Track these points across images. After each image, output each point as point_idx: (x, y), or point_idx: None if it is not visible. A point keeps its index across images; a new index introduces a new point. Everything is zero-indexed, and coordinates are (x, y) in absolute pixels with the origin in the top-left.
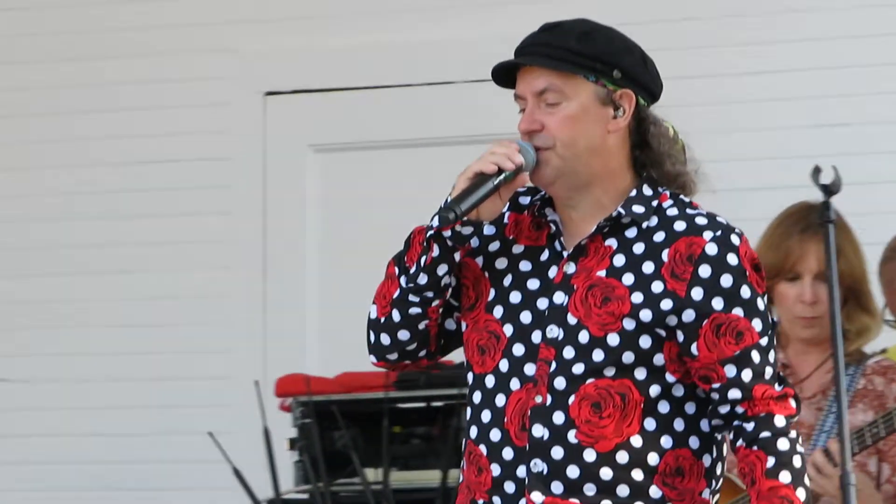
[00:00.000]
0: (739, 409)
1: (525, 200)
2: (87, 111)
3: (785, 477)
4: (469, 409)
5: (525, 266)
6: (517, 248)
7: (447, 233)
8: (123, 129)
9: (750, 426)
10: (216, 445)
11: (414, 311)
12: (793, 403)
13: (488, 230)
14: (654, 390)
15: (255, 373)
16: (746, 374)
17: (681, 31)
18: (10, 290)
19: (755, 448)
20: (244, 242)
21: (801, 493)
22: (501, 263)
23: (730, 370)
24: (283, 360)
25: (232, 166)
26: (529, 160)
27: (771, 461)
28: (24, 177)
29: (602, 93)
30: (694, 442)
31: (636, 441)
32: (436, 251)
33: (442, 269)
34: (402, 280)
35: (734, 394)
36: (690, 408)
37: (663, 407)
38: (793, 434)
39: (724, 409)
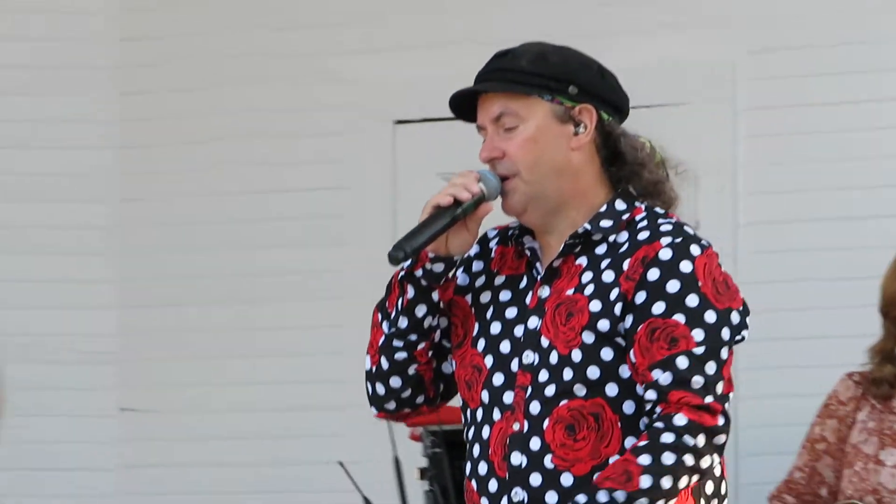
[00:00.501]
0: (657, 410)
1: (511, 233)
2: (225, 138)
3: (643, 459)
4: (467, 447)
5: (505, 296)
6: (499, 280)
7: (419, 272)
8: (253, 157)
9: (654, 418)
10: (347, 475)
11: (400, 356)
12: (719, 419)
13: (477, 266)
14: (629, 407)
15: None
16: (666, 378)
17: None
18: (141, 321)
19: (643, 432)
20: (372, 272)
21: (645, 480)
22: (485, 297)
23: (655, 373)
24: None
25: (361, 195)
26: (492, 188)
27: (643, 442)
28: (153, 206)
29: (559, 110)
30: None
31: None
32: (410, 292)
33: (421, 310)
34: (385, 326)
35: (650, 395)
36: None
37: (643, 424)
38: (687, 439)
39: (647, 420)
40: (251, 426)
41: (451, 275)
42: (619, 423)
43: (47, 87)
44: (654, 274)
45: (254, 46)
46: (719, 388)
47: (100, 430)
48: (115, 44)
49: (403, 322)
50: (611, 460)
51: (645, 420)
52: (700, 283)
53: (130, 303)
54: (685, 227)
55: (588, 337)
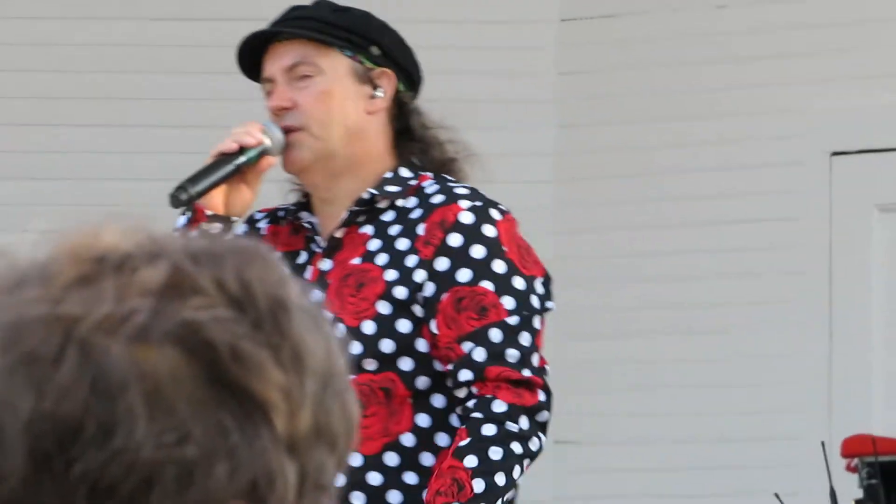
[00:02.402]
0: (473, 391)
1: (282, 213)
2: (659, 172)
3: (470, 461)
4: None
5: None
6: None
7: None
8: (688, 190)
9: (471, 404)
10: None
11: None
12: (539, 395)
13: None
14: (423, 382)
15: (820, 433)
16: (479, 353)
17: None
18: (572, 354)
19: (461, 426)
20: (810, 303)
21: (478, 484)
22: None
23: (466, 346)
24: (848, 422)
25: (798, 226)
26: (276, 141)
27: (465, 441)
28: (589, 239)
29: (359, 69)
30: None
31: (407, 440)
32: None
33: None
34: None
35: (465, 375)
36: None
37: (437, 401)
38: (510, 425)
39: (460, 394)
40: (685, 458)
41: None
42: (411, 400)
43: (488, 120)
44: (456, 239)
45: (692, 80)
46: (535, 359)
47: (536, 463)
48: (553, 78)
49: None
50: (402, 438)
51: (458, 394)
52: (505, 249)
53: (566, 334)
54: (481, 192)
55: (384, 307)
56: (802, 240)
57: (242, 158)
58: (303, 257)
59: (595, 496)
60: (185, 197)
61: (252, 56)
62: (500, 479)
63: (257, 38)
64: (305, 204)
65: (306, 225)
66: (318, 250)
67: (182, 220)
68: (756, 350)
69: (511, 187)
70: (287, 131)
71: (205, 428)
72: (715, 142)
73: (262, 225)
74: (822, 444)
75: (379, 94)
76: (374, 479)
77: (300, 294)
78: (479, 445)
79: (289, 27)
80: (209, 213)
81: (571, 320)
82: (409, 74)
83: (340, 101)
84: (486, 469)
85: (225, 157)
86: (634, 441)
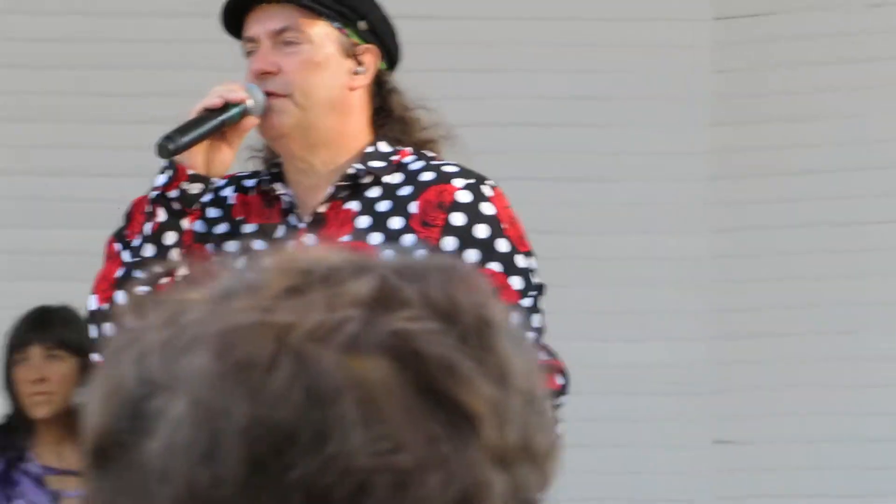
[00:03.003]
0: None
1: (250, 182)
2: (815, 171)
3: None
4: None
5: (259, 246)
6: (248, 228)
7: (173, 193)
8: (841, 189)
9: None
10: None
11: (142, 290)
12: (558, 379)
13: (213, 213)
14: None
15: None
16: None
17: None
18: (733, 352)
19: None
20: None
21: None
22: (233, 246)
23: None
24: None
25: None
26: (259, 102)
27: None
28: (745, 237)
29: (346, 43)
30: None
31: None
32: (161, 216)
33: (170, 237)
34: (126, 255)
35: None
36: None
37: None
38: None
39: None
40: (845, 458)
41: (199, 203)
42: None
43: (643, 118)
44: (459, 219)
45: (844, 79)
46: (546, 341)
47: (695, 462)
48: (707, 76)
49: (149, 250)
50: None
51: None
52: (505, 226)
53: (721, 333)
54: (467, 168)
55: None
56: None
57: (227, 114)
58: (281, 231)
59: (755, 495)
60: (173, 147)
61: (234, 13)
62: None
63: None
64: (278, 174)
65: (283, 197)
66: (299, 225)
67: (162, 178)
68: None
69: (665, 185)
70: (268, 95)
71: (417, 437)
72: (862, 141)
73: (228, 193)
74: None
75: (361, 70)
76: None
77: (503, 313)
78: None
79: None
80: (190, 172)
81: (726, 319)
82: (391, 53)
83: (325, 73)
84: None
85: (210, 113)
86: (794, 440)
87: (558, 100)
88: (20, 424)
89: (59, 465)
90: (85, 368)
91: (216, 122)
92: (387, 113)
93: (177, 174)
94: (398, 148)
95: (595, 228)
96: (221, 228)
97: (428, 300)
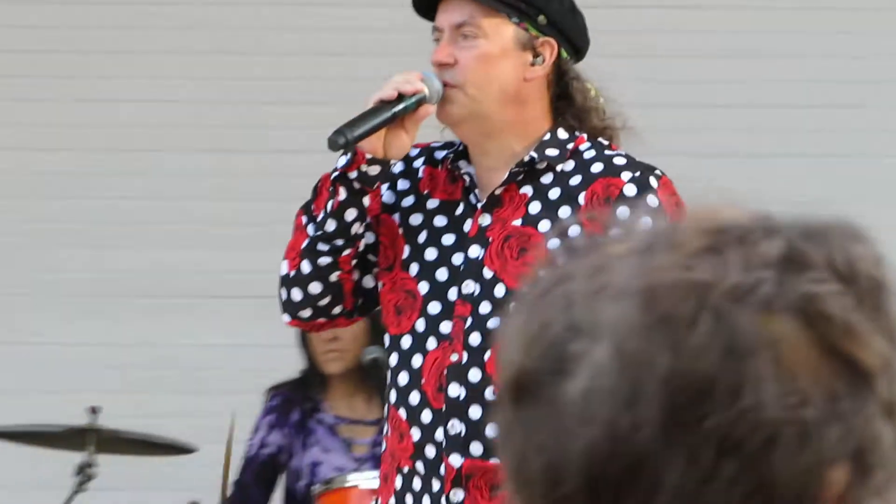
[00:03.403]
0: None
1: (440, 155)
2: None
3: None
4: (389, 375)
5: (440, 221)
6: (432, 203)
7: (353, 174)
8: None
9: None
10: None
11: (324, 260)
12: None
13: (403, 185)
14: None
15: None
16: None
17: None
18: None
19: None
20: None
21: None
22: (416, 219)
23: None
24: None
25: None
26: (434, 92)
27: None
28: None
29: (523, 36)
30: None
31: None
32: (342, 194)
33: (350, 214)
34: (311, 228)
35: None
36: None
37: None
38: None
39: None
40: None
41: (382, 182)
42: None
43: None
44: (623, 213)
45: None
46: None
47: None
48: None
49: (331, 225)
50: None
51: None
52: (668, 216)
53: None
54: (637, 159)
55: None
56: None
57: (400, 106)
58: (461, 208)
59: None
60: (343, 141)
61: (429, 2)
62: None
63: None
64: (464, 152)
65: (465, 176)
66: (477, 204)
67: (343, 160)
68: None
69: None
70: (444, 85)
71: (821, 393)
72: None
73: (419, 165)
74: None
75: (538, 62)
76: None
77: (890, 273)
78: None
79: None
80: (369, 156)
81: None
82: (574, 42)
83: (500, 67)
84: None
85: (384, 105)
86: None
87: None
88: (314, 379)
89: (351, 416)
90: (374, 328)
91: (388, 116)
92: (567, 101)
93: (355, 158)
94: (576, 134)
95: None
96: (408, 201)
97: (831, 262)
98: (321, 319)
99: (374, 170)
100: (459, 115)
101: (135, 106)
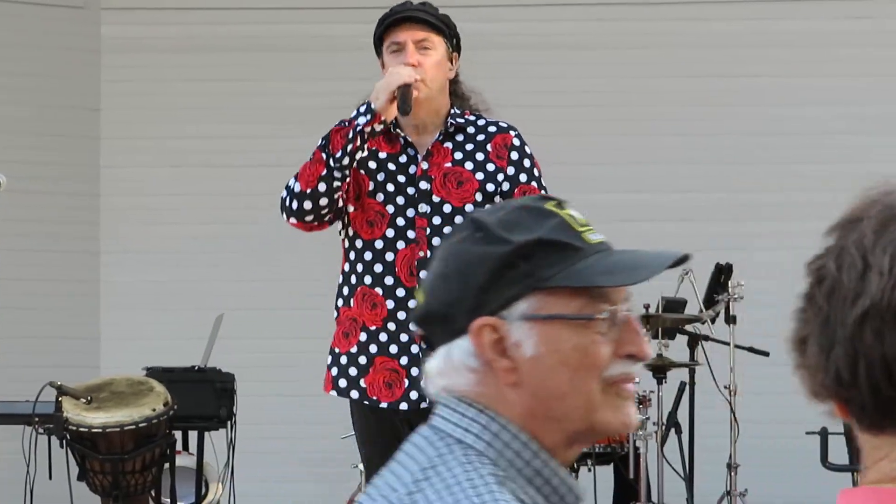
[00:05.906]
0: None
1: (372, 124)
2: None
3: None
4: (359, 266)
5: (391, 166)
6: (382, 155)
7: (368, 129)
8: None
9: None
10: None
11: (336, 184)
12: None
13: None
14: None
15: None
16: None
17: None
18: None
19: None
20: None
21: None
22: (372, 164)
23: None
24: None
25: None
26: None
27: None
28: None
29: (448, 51)
30: None
31: None
32: (358, 141)
33: (359, 154)
34: (331, 161)
35: None
36: None
37: None
38: None
39: None
40: None
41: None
42: None
43: None
44: (515, 155)
45: None
46: None
47: None
48: None
49: (347, 161)
50: None
51: None
52: (533, 158)
53: None
54: (509, 122)
55: (479, 196)
56: None
57: (408, 89)
58: (404, 158)
59: None
60: (408, 108)
61: (389, 25)
62: None
63: (396, 17)
64: (394, 124)
65: (401, 138)
66: (416, 155)
67: (363, 119)
68: None
69: None
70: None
71: None
72: None
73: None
74: None
75: (454, 66)
76: None
77: None
78: None
79: (420, 16)
80: (383, 118)
81: None
82: (459, 55)
83: (441, 69)
84: None
85: (407, 86)
86: None
87: None
88: None
89: None
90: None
91: (407, 94)
92: (456, 91)
93: (374, 117)
94: (463, 111)
95: None
96: (365, 154)
97: None
98: (317, 222)
99: (379, 127)
100: (421, 99)
101: None
